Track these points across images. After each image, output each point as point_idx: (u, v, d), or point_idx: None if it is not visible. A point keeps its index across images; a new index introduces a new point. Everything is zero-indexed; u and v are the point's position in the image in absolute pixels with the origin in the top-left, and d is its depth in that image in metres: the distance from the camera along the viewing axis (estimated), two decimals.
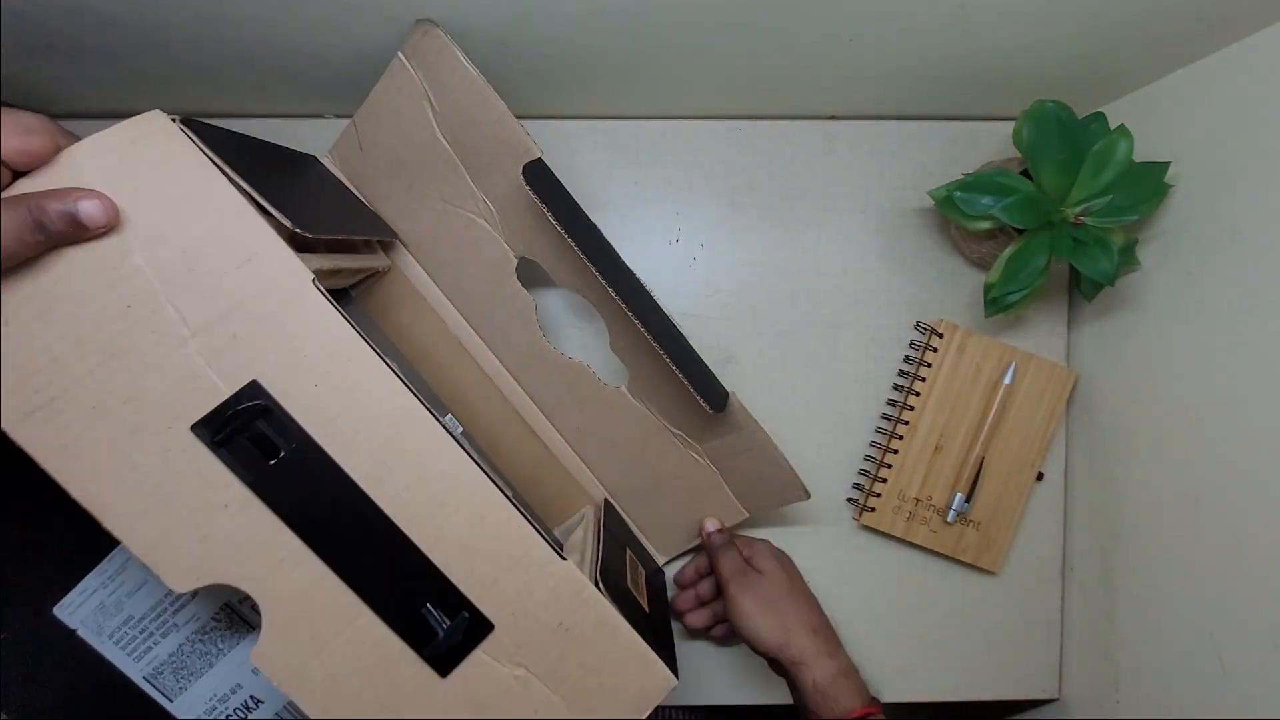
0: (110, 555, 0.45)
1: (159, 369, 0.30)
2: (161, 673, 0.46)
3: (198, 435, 0.31)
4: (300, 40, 0.43)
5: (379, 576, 0.33)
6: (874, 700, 0.44)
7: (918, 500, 0.56)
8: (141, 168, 0.30)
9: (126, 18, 0.40)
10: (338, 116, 0.56)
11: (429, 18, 0.42)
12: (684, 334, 0.47)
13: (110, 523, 0.30)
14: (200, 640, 0.46)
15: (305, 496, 0.32)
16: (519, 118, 0.56)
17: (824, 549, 0.58)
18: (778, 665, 0.48)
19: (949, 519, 0.55)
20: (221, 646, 0.47)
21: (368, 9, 0.40)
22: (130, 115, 0.30)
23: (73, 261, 0.29)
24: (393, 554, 0.33)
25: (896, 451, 0.56)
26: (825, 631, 0.47)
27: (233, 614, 0.47)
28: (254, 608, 0.44)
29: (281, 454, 0.31)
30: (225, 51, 0.45)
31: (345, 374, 0.32)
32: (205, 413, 0.31)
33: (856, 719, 0.43)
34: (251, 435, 0.31)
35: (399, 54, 0.44)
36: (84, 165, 0.29)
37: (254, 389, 0.31)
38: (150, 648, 0.46)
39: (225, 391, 0.31)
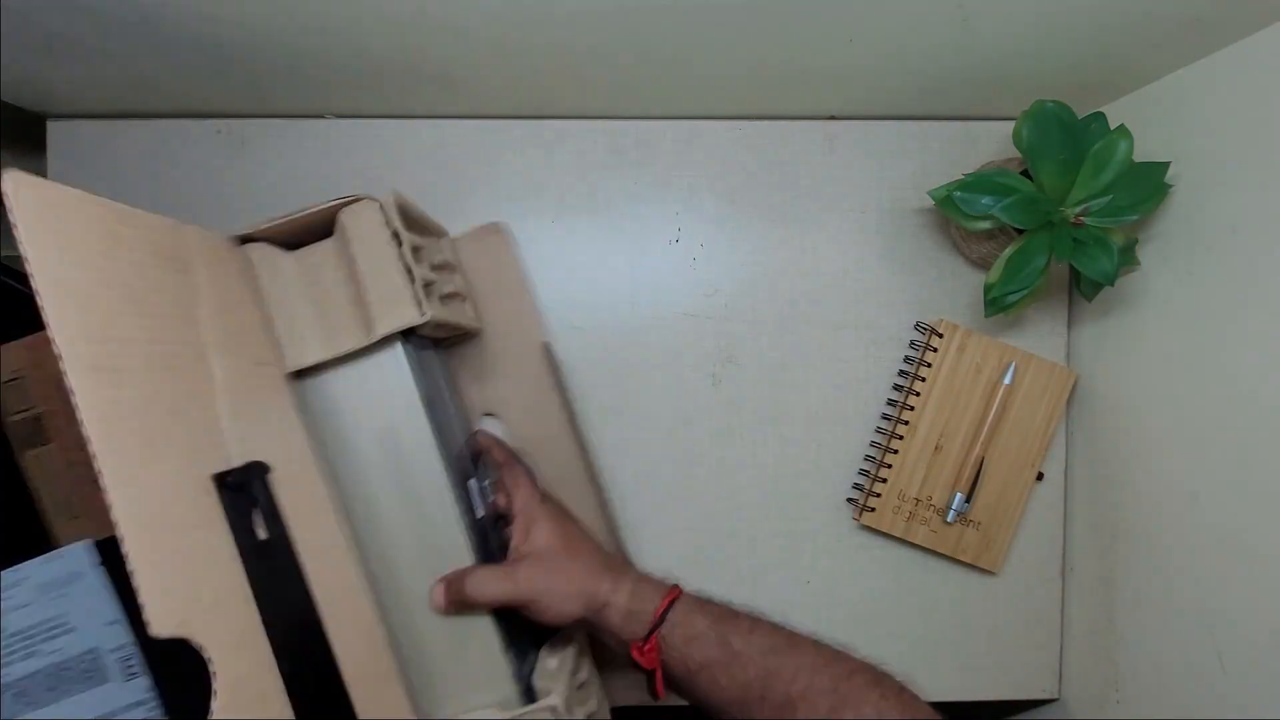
0: (14, 567, 0.43)
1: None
2: (4, 693, 0.43)
3: (214, 480, 0.33)
4: (300, 40, 0.43)
5: (313, 688, 0.35)
6: (674, 586, 0.43)
7: (917, 500, 0.56)
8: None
9: (126, 18, 0.40)
10: (338, 116, 0.56)
11: (500, 223, 0.54)
12: None
13: (122, 517, 0.28)
14: (55, 675, 0.44)
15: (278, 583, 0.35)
16: (519, 118, 0.57)
17: (824, 549, 0.58)
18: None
19: (949, 519, 0.55)
20: (72, 688, 0.44)
21: (368, 9, 0.40)
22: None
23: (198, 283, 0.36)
24: (323, 670, 0.36)
25: (896, 451, 0.56)
26: (611, 562, 0.44)
27: (96, 661, 0.45)
28: (124, 659, 0.44)
29: (266, 537, 0.35)
30: (225, 51, 0.45)
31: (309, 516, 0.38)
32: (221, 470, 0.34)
33: (664, 609, 0.41)
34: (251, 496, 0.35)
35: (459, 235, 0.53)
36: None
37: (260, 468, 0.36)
38: (4, 665, 0.43)
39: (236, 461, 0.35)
